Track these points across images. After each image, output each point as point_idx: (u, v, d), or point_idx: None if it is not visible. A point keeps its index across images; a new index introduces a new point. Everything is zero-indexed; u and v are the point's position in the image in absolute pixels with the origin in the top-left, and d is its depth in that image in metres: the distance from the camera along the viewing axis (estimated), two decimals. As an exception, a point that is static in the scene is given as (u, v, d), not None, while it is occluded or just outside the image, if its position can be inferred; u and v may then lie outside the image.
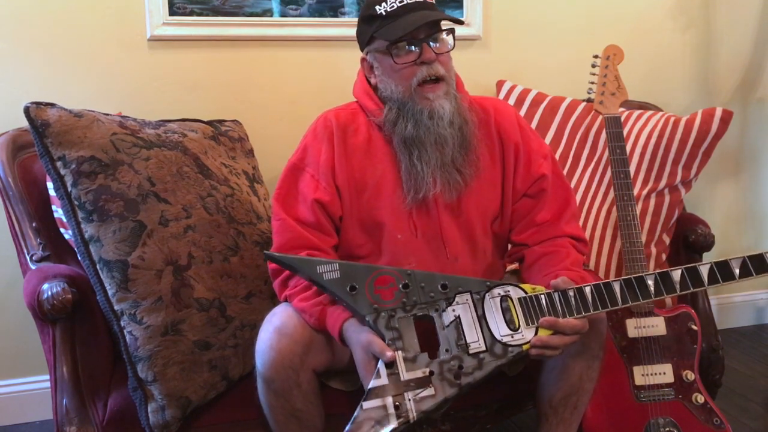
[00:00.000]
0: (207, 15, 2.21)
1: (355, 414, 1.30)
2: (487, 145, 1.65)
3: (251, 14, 2.24)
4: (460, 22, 1.57)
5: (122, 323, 1.58)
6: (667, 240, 2.20)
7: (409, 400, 1.31)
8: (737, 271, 1.43)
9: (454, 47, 1.60)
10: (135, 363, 1.58)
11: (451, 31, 1.59)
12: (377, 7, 1.55)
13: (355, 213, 1.62)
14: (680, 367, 1.89)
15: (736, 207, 2.91)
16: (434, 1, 1.61)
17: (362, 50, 1.65)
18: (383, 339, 1.36)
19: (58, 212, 1.76)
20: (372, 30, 1.57)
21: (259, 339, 1.49)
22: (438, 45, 1.56)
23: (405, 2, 1.54)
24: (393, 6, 1.54)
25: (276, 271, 1.58)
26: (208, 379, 1.64)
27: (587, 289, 1.44)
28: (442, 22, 1.58)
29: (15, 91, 2.10)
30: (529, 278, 1.61)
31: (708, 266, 1.44)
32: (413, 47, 1.54)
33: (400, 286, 1.41)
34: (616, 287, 1.44)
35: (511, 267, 1.80)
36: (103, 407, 1.62)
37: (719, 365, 2.10)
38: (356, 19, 2.29)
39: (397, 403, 1.30)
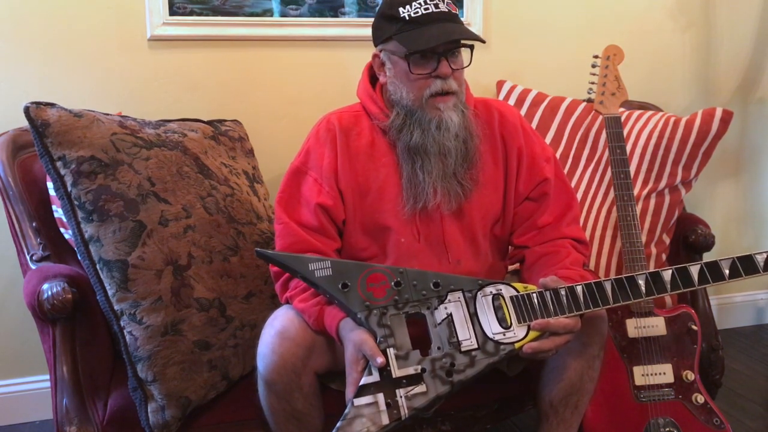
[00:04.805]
0: (207, 15, 2.21)
1: (346, 411, 1.30)
2: (490, 148, 1.65)
3: (251, 14, 2.24)
4: (482, 41, 1.54)
5: (122, 323, 1.58)
6: (667, 240, 2.20)
7: (401, 397, 1.31)
8: (727, 271, 1.44)
9: (470, 64, 1.58)
10: (135, 363, 1.58)
11: (471, 47, 1.57)
12: (401, 9, 1.52)
13: (358, 217, 1.62)
14: (680, 367, 1.89)
15: (736, 207, 2.91)
16: (457, 11, 1.57)
17: (376, 45, 1.61)
18: (375, 336, 1.36)
19: (58, 212, 1.76)
20: (392, 31, 1.53)
21: (261, 342, 1.49)
22: (455, 60, 1.54)
23: (430, 11, 1.50)
24: (417, 12, 1.51)
25: (278, 273, 1.58)
26: (208, 379, 1.64)
27: (579, 288, 1.44)
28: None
29: (15, 91, 2.10)
30: (530, 278, 1.61)
31: (698, 267, 1.45)
32: (431, 60, 1.52)
33: (392, 283, 1.42)
34: (608, 286, 1.45)
35: (512, 268, 1.80)
36: (103, 407, 1.62)
37: (719, 365, 2.10)
38: (356, 19, 2.33)
39: (388, 401, 1.30)
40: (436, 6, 1.52)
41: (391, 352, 1.35)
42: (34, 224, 1.77)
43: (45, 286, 1.56)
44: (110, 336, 1.70)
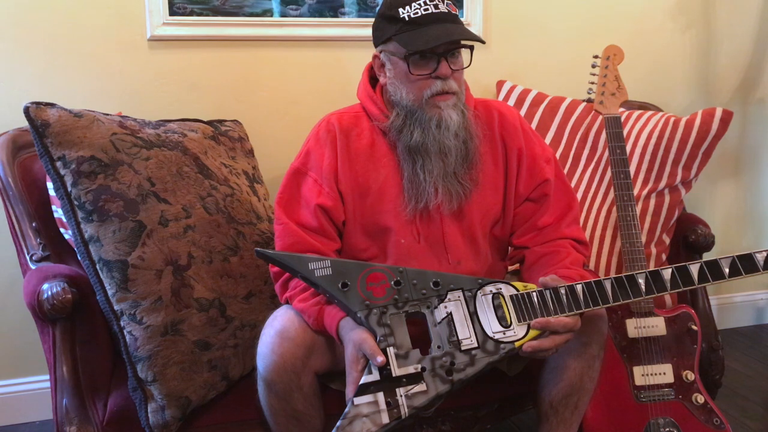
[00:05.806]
0: (207, 15, 2.21)
1: (346, 410, 1.29)
2: (490, 149, 1.65)
3: (251, 14, 2.24)
4: (482, 42, 1.54)
5: (122, 323, 1.58)
6: (667, 240, 2.20)
7: (401, 396, 1.31)
8: (727, 270, 1.45)
9: (470, 65, 1.58)
10: (135, 363, 1.58)
11: (470, 48, 1.57)
12: (400, 10, 1.52)
13: (358, 218, 1.62)
14: (680, 367, 1.89)
15: (736, 207, 2.91)
16: (457, 12, 1.57)
17: (376, 46, 1.61)
18: (375, 335, 1.37)
19: (58, 212, 1.76)
20: (392, 32, 1.53)
21: (261, 342, 1.49)
22: (454, 61, 1.54)
23: (430, 11, 1.51)
24: (417, 13, 1.51)
25: (277, 273, 1.58)
26: (208, 379, 1.64)
27: (578, 287, 1.44)
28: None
29: (15, 91, 2.10)
30: (529, 278, 1.61)
31: (698, 265, 1.46)
32: (431, 60, 1.52)
33: (392, 283, 1.42)
34: (608, 285, 1.45)
35: (512, 268, 1.80)
36: (103, 407, 1.62)
37: (719, 365, 2.10)
38: (356, 20, 2.34)
39: (388, 400, 1.30)
40: (436, 6, 1.52)
41: (391, 351, 1.35)
42: (34, 224, 1.77)
43: (45, 286, 1.56)
44: (110, 336, 1.70)
